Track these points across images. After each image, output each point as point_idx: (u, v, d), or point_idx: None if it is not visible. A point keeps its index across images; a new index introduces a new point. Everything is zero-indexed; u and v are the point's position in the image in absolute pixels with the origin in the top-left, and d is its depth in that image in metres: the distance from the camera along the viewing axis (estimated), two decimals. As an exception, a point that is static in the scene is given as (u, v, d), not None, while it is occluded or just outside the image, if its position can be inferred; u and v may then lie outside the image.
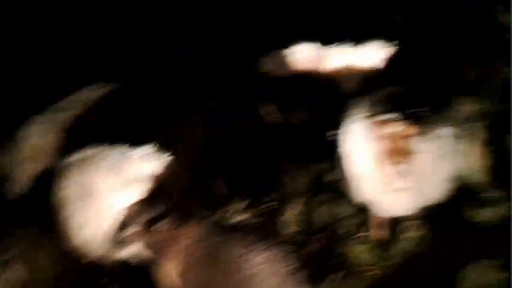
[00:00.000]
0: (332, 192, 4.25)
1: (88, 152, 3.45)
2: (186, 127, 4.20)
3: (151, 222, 2.92)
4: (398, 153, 3.37)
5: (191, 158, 3.60)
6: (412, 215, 3.79)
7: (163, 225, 2.94)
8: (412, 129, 3.35)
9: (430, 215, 3.87)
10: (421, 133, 3.39)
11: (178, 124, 4.17)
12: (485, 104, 4.82)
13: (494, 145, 4.41)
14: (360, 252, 3.83)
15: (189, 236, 2.97)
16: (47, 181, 3.47)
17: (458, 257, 3.54)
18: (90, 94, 4.29)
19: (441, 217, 3.91)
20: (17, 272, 3.05)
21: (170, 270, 2.97)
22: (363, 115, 3.66)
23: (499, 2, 6.00)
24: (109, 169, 3.33)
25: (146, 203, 3.05)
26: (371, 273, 3.69)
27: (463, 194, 3.98)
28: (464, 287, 3.36)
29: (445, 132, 3.67)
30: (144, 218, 2.91)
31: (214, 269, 2.86)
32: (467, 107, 4.64)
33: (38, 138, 3.95)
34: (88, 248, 3.40)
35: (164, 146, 3.44)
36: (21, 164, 3.88)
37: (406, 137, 3.37)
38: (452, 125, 3.76)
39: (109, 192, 3.29)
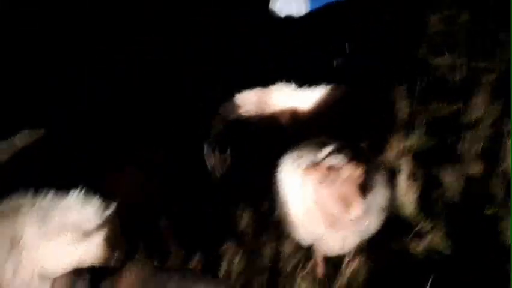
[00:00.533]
0: (276, 231, 4.35)
1: (15, 200, 3.44)
2: (118, 176, 4.24)
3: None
4: (338, 195, 3.40)
5: (124, 203, 3.61)
6: (352, 249, 3.95)
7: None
8: (359, 167, 3.38)
9: (367, 247, 4.06)
10: (357, 171, 3.41)
11: (112, 173, 4.19)
12: (414, 139, 5.19)
13: (423, 178, 4.74)
14: (305, 288, 3.94)
15: (130, 278, 3.03)
16: None
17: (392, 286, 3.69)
18: (17, 141, 4.30)
19: (377, 249, 4.11)
20: None
21: None
22: (301, 158, 3.76)
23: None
24: (37, 220, 3.32)
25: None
26: (315, 309, 3.81)
27: (395, 225, 4.21)
28: None
29: (377, 168, 3.87)
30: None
31: None
32: (398, 143, 4.98)
33: None
34: None
35: (94, 192, 3.46)
36: None
37: (356, 175, 3.39)
38: (384, 161, 3.94)
39: (37, 242, 3.28)
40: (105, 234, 3.35)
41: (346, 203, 3.43)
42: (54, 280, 2.96)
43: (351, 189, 3.41)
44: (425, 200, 4.55)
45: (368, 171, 3.54)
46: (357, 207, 3.40)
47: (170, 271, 3.10)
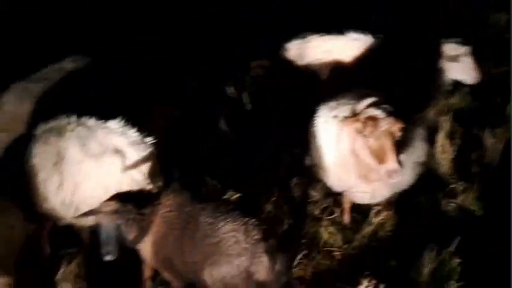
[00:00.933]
0: (306, 176, 4.43)
1: (61, 121, 3.56)
2: (158, 110, 4.31)
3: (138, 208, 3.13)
4: (392, 146, 3.33)
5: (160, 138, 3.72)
6: (382, 200, 3.97)
7: (148, 211, 3.15)
8: (399, 121, 3.32)
9: (397, 201, 4.08)
10: (395, 126, 3.35)
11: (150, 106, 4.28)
12: (457, 98, 5.05)
13: (462, 138, 4.65)
14: (330, 233, 4.01)
15: (165, 206, 3.19)
16: (21, 148, 3.58)
17: (419, 243, 3.71)
18: (66, 66, 4.35)
19: (408, 204, 4.13)
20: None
21: (146, 240, 3.19)
22: (339, 108, 3.74)
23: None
24: (80, 139, 3.46)
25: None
26: (338, 253, 3.88)
27: (429, 183, 4.19)
28: (422, 273, 3.53)
29: (416, 124, 3.82)
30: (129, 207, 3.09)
31: (186, 235, 3.07)
32: (440, 101, 4.84)
33: (13, 107, 4.03)
34: (58, 212, 3.54)
35: (132, 124, 3.54)
36: None
37: (395, 129, 3.34)
38: (422, 118, 3.88)
39: (79, 161, 3.43)
40: (144, 161, 3.44)
41: (381, 156, 3.40)
42: (101, 204, 3.10)
43: (388, 143, 3.38)
44: (461, 160, 4.49)
45: (407, 127, 3.49)
46: (392, 161, 3.37)
47: (205, 201, 3.21)
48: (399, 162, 3.37)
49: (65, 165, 3.46)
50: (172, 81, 5.21)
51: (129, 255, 3.38)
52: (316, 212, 4.28)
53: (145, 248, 3.23)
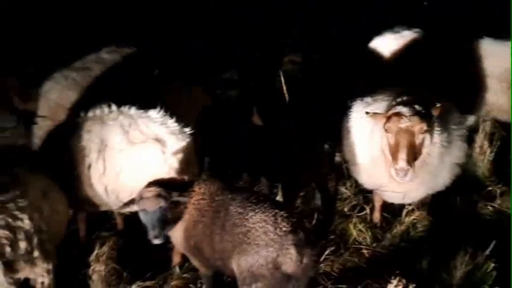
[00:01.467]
0: (337, 171, 4.39)
1: (103, 110, 3.65)
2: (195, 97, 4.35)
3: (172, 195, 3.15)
4: (408, 145, 3.28)
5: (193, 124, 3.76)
6: (415, 201, 3.88)
7: (183, 198, 3.17)
8: (422, 123, 3.27)
9: (432, 201, 3.98)
10: (430, 126, 3.32)
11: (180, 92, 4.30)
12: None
13: (500, 140, 4.47)
14: (359, 231, 3.94)
15: (198, 194, 3.20)
16: (64, 135, 3.67)
17: (453, 245, 3.60)
18: (103, 55, 4.45)
19: (442, 205, 4.02)
20: (31, 219, 3.24)
21: (178, 227, 3.22)
22: (373, 104, 3.70)
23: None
24: (122, 128, 3.55)
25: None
26: (367, 251, 3.81)
27: (466, 184, 4.07)
28: (455, 276, 3.43)
29: (453, 125, 3.70)
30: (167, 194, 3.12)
31: (215, 224, 3.08)
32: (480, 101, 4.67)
33: (56, 95, 4.15)
34: (100, 199, 3.63)
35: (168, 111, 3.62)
36: (41, 118, 4.09)
37: (416, 130, 3.28)
38: (459, 119, 3.76)
39: (121, 149, 3.51)
40: (182, 150, 3.51)
41: (395, 153, 3.34)
42: (143, 190, 3.14)
43: (404, 141, 3.31)
44: (500, 163, 4.35)
45: (442, 128, 3.43)
46: (401, 160, 3.29)
47: (236, 191, 3.22)
48: (410, 164, 3.28)
49: (107, 153, 3.55)
50: (207, 72, 5.24)
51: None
52: (346, 208, 4.22)
53: (176, 234, 3.27)
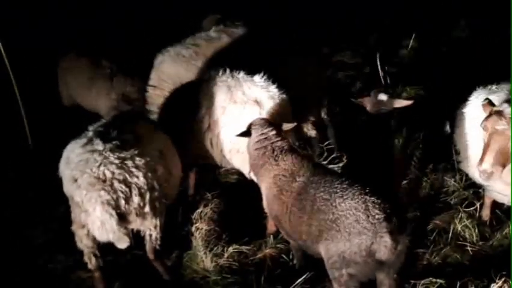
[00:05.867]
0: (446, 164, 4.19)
1: (216, 72, 3.87)
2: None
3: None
4: (498, 149, 3.05)
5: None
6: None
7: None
8: (505, 124, 3.03)
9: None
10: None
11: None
12: None
13: None
14: (464, 226, 3.72)
15: (280, 169, 3.22)
16: (182, 95, 3.98)
17: None
18: (211, 34, 4.63)
19: None
20: (145, 177, 3.31)
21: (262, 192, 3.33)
22: (498, 93, 3.45)
23: None
24: (228, 88, 3.77)
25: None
26: (470, 248, 3.60)
27: None
28: None
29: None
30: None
31: (294, 205, 3.08)
32: None
33: (167, 67, 4.42)
34: (207, 152, 3.86)
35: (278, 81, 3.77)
36: (152, 87, 4.40)
37: (495, 128, 3.07)
38: None
39: (224, 106, 3.72)
40: (280, 115, 3.61)
41: (484, 153, 3.13)
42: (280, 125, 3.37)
43: (494, 143, 3.09)
44: None
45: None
46: (484, 162, 3.08)
47: (322, 174, 3.12)
48: (495, 168, 3.05)
49: (213, 110, 3.81)
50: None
51: (257, 209, 3.58)
52: (453, 202, 4.01)
53: (264, 199, 3.36)
